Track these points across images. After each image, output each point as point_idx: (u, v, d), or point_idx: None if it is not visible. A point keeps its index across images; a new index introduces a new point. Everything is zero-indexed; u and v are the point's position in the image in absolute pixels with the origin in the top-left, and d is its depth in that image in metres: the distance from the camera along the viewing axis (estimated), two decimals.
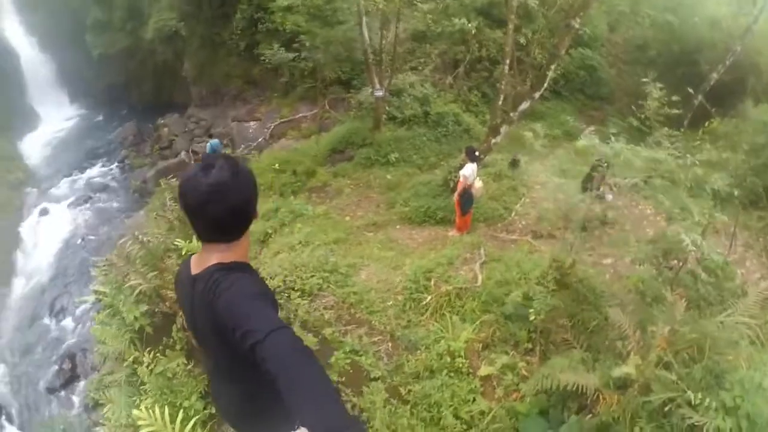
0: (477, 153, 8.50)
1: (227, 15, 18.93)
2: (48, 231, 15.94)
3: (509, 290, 5.48)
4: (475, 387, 4.58)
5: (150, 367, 4.05)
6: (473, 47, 15.18)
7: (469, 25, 10.30)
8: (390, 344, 5.43)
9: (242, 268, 1.70)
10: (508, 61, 9.57)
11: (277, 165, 14.16)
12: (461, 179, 8.25)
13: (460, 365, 4.74)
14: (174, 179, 15.63)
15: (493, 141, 9.60)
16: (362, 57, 13.50)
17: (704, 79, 12.15)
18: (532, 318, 4.64)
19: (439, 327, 5.37)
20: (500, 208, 9.47)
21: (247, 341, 1.37)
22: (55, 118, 24.82)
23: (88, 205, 17.30)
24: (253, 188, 1.67)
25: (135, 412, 3.12)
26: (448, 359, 4.80)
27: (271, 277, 6.14)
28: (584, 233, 5.03)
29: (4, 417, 10.41)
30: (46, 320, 12.47)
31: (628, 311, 3.68)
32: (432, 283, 6.29)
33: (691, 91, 7.86)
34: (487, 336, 5.08)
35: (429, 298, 6.01)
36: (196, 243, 4.34)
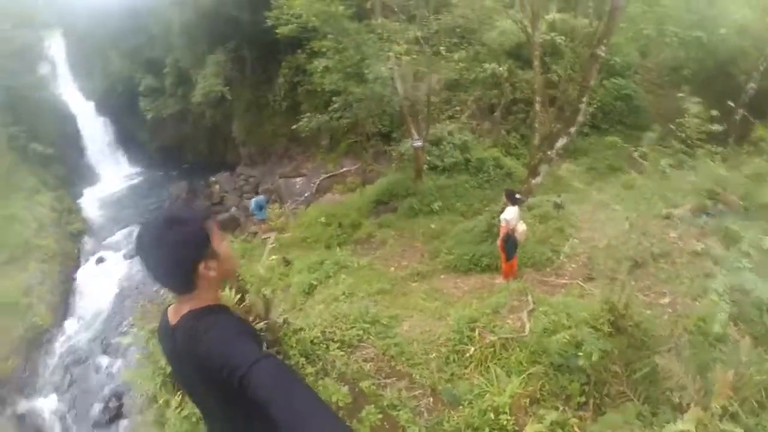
0: (517, 195, 8.23)
1: (270, 79, 19.97)
2: (104, 277, 16.64)
3: (559, 338, 5.09)
4: None
5: (177, 410, 3.95)
6: (506, 90, 15.20)
7: (500, 68, 10.26)
8: (431, 399, 5.08)
9: (215, 311, 1.72)
10: (539, 99, 9.41)
11: (323, 218, 14.37)
12: (503, 224, 7.97)
13: (505, 422, 4.30)
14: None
15: (534, 182, 9.32)
16: (399, 110, 13.65)
17: (742, 90, 11.62)
18: (581, 362, 4.25)
19: (483, 381, 4.99)
20: (548, 252, 9.03)
21: (234, 377, 1.41)
22: (112, 176, 26.55)
23: None
24: (180, 241, 1.63)
25: None
26: (492, 416, 4.39)
27: (310, 328, 5.93)
28: (637, 271, 4.63)
29: None
30: (99, 359, 12.87)
31: (685, 356, 3.28)
32: (476, 333, 5.94)
33: (731, 104, 7.43)
34: (535, 390, 4.64)
35: (473, 349, 5.65)
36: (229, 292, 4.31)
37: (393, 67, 11.97)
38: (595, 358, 4.17)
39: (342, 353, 5.67)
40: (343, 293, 9.00)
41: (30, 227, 17.44)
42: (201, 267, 1.66)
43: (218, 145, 24.93)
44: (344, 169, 17.80)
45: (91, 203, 23.66)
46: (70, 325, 14.65)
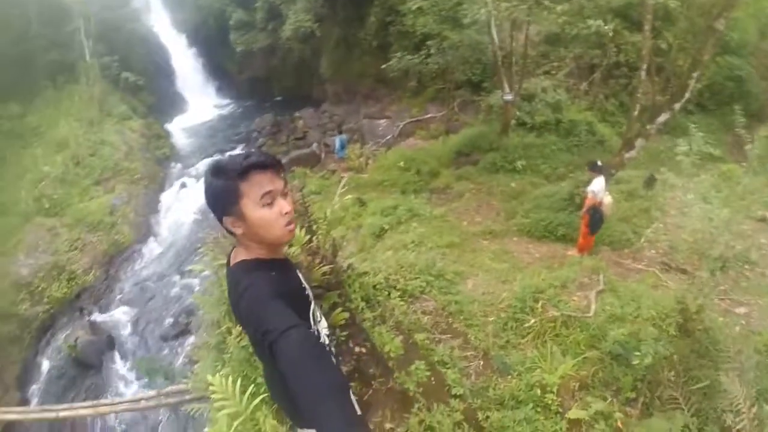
0: (600, 163, 7.86)
1: (361, 17, 19.59)
2: (186, 202, 17.38)
3: (622, 327, 4.94)
4: (560, 429, 4.10)
5: (237, 339, 4.21)
6: (610, 51, 14.16)
7: (606, 27, 9.50)
8: (481, 362, 5.09)
9: (262, 267, 1.73)
10: (645, 67, 8.67)
11: (402, 163, 14.30)
12: (590, 195, 7.68)
13: (550, 402, 4.27)
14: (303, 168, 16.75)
15: (627, 155, 8.80)
16: (492, 59, 13.10)
17: None
18: (635, 362, 4.14)
19: (537, 355, 4.96)
20: (629, 232, 8.66)
21: (266, 340, 1.44)
22: (201, 105, 27.59)
23: None
24: (211, 190, 1.71)
25: (209, 377, 3.25)
26: (539, 392, 4.36)
27: (374, 273, 5.96)
28: (720, 273, 4.36)
29: (117, 352, 11.71)
30: (174, 278, 13.64)
31: (748, 378, 3.10)
32: (540, 305, 5.86)
33: None
34: (588, 375, 4.55)
35: (533, 321, 5.60)
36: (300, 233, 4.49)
37: (491, 12, 11.45)
38: (647, 361, 4.03)
39: (402, 303, 5.70)
40: (413, 242, 9.08)
41: (119, 151, 18.41)
42: (227, 222, 1.71)
43: (305, 80, 25.05)
44: (429, 115, 17.50)
45: (179, 131, 24.79)
46: (151, 244, 15.58)
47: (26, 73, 20.17)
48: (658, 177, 9.92)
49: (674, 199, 9.73)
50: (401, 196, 12.47)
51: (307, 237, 4.76)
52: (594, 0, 10.32)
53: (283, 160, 12.22)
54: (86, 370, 11.41)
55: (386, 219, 10.82)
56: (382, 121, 19.00)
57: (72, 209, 15.26)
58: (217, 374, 3.37)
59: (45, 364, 11.70)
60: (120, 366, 11.49)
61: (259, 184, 1.66)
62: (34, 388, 11.32)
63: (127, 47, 24.37)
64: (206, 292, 5.12)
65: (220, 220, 1.72)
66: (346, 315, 4.09)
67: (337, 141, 16.09)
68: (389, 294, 5.81)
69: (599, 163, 7.94)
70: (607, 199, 7.83)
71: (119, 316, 12.67)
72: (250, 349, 4.20)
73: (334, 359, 1.91)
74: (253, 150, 1.92)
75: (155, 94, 25.28)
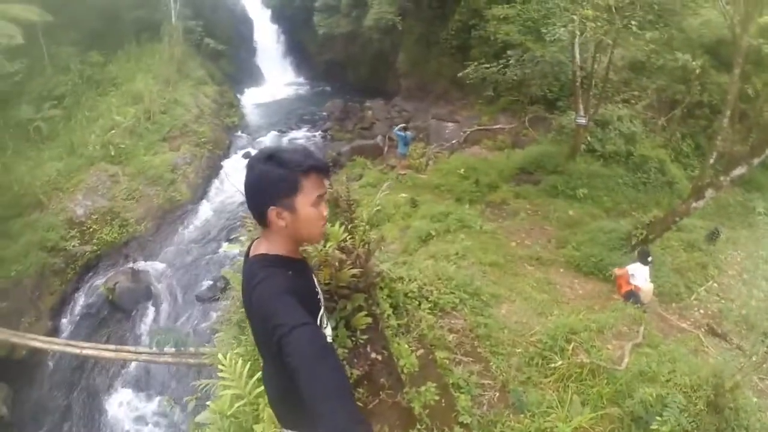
0: (650, 258, 7.53)
1: (444, 16, 19.48)
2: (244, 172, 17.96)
3: (651, 388, 4.70)
4: None
5: None
6: (694, 89, 13.29)
7: (693, 63, 9.01)
8: (497, 394, 4.94)
9: (283, 263, 1.77)
10: (728, 113, 8.17)
11: (462, 170, 14.22)
12: (629, 278, 7.41)
13: None
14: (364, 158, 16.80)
15: (694, 205, 8.32)
16: (571, 78, 12.73)
17: None
18: (653, 427, 3.93)
19: (556, 399, 4.81)
20: (681, 285, 8.22)
21: (275, 334, 1.47)
22: (277, 81, 28.35)
23: None
24: (267, 177, 1.71)
25: (219, 355, 3.37)
26: None
27: (410, 280, 5.93)
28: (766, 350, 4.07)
29: (151, 304, 12.23)
30: (219, 244, 13.97)
31: None
32: (571, 347, 5.68)
33: None
34: None
35: (560, 362, 5.42)
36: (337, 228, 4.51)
37: (576, 31, 11.08)
38: (665, 429, 3.83)
39: (431, 316, 5.62)
40: (456, 253, 8.97)
41: (191, 113, 19.06)
42: (272, 212, 1.72)
43: (381, 71, 25.14)
44: (498, 125, 17.10)
45: (251, 102, 25.50)
46: (204, 206, 16.10)
47: (112, 25, 20.90)
48: (723, 232, 9.43)
49: (735, 259, 9.27)
50: (455, 204, 12.34)
51: (345, 235, 4.77)
52: (685, 32, 9.79)
53: (345, 148, 13.90)
54: (118, 314, 12.06)
55: (435, 225, 10.74)
56: (450, 124, 18.72)
57: (136, 160, 15.91)
58: (229, 353, 3.48)
59: (81, 301, 12.40)
60: (151, 317, 12.05)
61: (316, 184, 1.74)
62: (65, 321, 12.04)
63: (213, 14, 25.31)
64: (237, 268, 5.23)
65: (264, 208, 1.73)
66: (369, 320, 4.06)
67: (400, 137, 16.05)
68: (420, 304, 5.71)
69: (650, 258, 7.63)
70: (647, 287, 7.50)
71: (161, 270, 13.19)
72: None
73: None
74: (310, 149, 1.86)
75: (234, 63, 26.22)
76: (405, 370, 4.33)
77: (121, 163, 15.77)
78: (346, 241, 4.64)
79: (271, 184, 1.70)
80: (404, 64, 22.22)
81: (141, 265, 13.25)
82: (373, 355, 4.52)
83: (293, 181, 1.69)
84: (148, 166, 15.81)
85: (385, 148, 18.64)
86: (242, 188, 1.79)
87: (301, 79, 29.62)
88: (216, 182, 17.48)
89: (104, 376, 10.89)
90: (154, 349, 7.98)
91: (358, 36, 25.16)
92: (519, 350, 5.75)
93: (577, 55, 11.82)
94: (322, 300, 2.03)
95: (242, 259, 2.04)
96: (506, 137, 16.40)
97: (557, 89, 15.44)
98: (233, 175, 17.50)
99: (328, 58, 28.41)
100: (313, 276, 2.06)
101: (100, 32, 20.43)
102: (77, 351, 9.63)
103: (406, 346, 5.04)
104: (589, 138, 13.08)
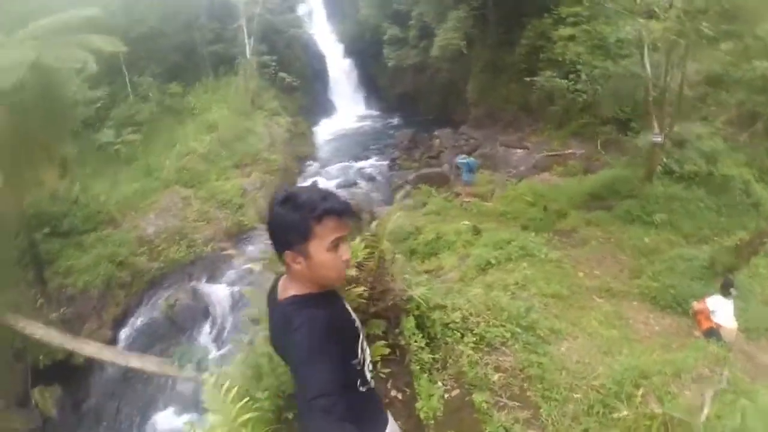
0: (732, 290, 6.52)
1: (511, 42, 19.28)
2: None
3: None
4: None
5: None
6: None
7: None
8: None
9: (315, 302, 1.72)
10: None
11: (529, 197, 13.64)
12: (708, 315, 6.43)
13: None
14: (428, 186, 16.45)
15: None
16: (644, 95, 11.74)
17: None
18: None
19: None
20: None
21: (297, 391, 1.61)
22: (349, 113, 29.14)
23: (352, 189, 19.45)
24: (281, 222, 1.69)
25: (203, 377, 3.38)
26: None
27: (452, 309, 5.22)
28: None
29: (208, 324, 12.36)
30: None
31: None
32: (640, 393, 4.74)
33: None
34: None
35: (626, 413, 4.53)
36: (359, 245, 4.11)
37: (645, 45, 10.26)
38: None
39: (473, 351, 4.85)
40: (516, 283, 8.24)
41: (263, 142, 19.97)
42: (287, 256, 1.70)
43: (450, 101, 25.05)
44: (569, 150, 16.33)
45: (323, 133, 26.27)
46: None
47: (190, 59, 22.56)
48: None
49: None
50: (520, 232, 11.63)
51: (365, 251, 4.29)
52: (762, 39, 8.75)
53: (411, 176, 13.50)
54: (175, 330, 12.21)
55: (495, 253, 10.06)
56: (519, 150, 18.28)
57: (208, 185, 16.70)
58: (213, 378, 3.34)
59: (142, 314, 12.77)
60: (205, 337, 12.09)
61: (332, 228, 1.67)
62: (125, 332, 12.44)
63: (287, 50, 26.43)
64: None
65: (280, 252, 1.71)
66: (386, 351, 3.81)
67: (463, 165, 15.51)
68: (462, 337, 4.96)
69: (734, 289, 6.62)
70: (731, 325, 6.47)
71: (222, 292, 13.28)
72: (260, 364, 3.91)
73: (365, 388, 1.93)
74: (329, 191, 1.78)
75: (307, 96, 27.21)
76: (423, 414, 3.76)
77: (194, 186, 16.60)
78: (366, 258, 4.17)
79: (285, 228, 1.68)
80: (473, 92, 22.13)
81: (203, 285, 13.54)
82: (393, 392, 3.96)
83: (305, 226, 1.64)
84: (219, 190, 16.52)
85: (451, 177, 18.21)
86: None
87: (372, 111, 30.26)
88: None
89: (154, 390, 11.01)
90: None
91: (426, 67, 25.59)
92: (577, 396, 4.87)
93: (648, 68, 10.82)
94: (359, 326, 2.00)
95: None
96: (577, 162, 15.63)
97: (629, 109, 14.56)
98: None
99: (398, 90, 29.03)
100: (345, 303, 2.00)
101: (180, 65, 22.07)
102: (124, 362, 9.91)
103: (440, 383, 4.41)
104: (665, 159, 11.99)
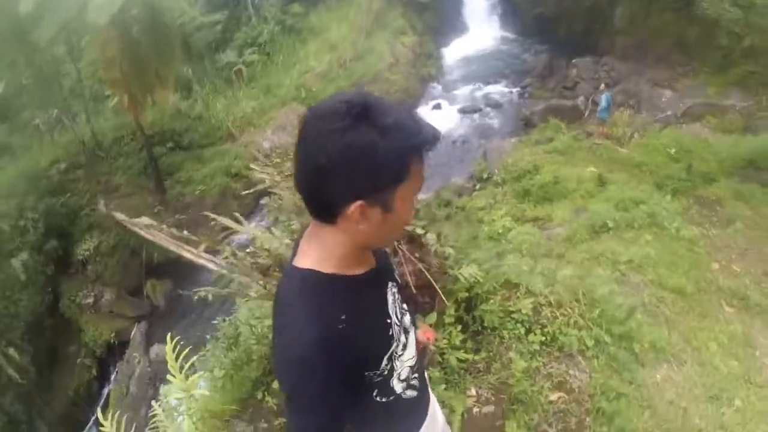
0: None
1: None
2: (433, 122, 17.63)
3: None
4: None
5: None
6: None
7: None
8: None
9: (332, 289, 1.22)
10: None
11: (673, 150, 12.01)
12: None
13: None
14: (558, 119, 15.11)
15: None
16: None
17: None
18: None
19: None
20: None
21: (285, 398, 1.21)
22: (481, 34, 26.81)
23: (476, 115, 19.00)
24: (347, 160, 1.06)
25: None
26: None
27: (525, 295, 4.08)
28: None
29: None
30: None
31: None
32: None
33: None
34: None
35: None
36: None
37: None
38: None
39: (535, 355, 3.78)
40: (630, 261, 6.86)
41: (384, 61, 19.76)
42: (354, 208, 1.12)
43: (594, 27, 22.18)
44: (729, 102, 14.10)
45: (451, 55, 24.93)
46: None
47: None
48: None
49: None
50: (653, 191, 10.07)
51: None
52: None
53: (540, 107, 13.40)
54: None
55: (617, 214, 8.66)
56: (667, 92, 16.11)
57: None
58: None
59: (252, 223, 13.47)
60: None
61: (421, 169, 1.19)
62: (235, 239, 13.09)
63: None
64: None
65: (344, 199, 1.12)
66: None
67: (603, 99, 13.96)
68: (527, 333, 3.88)
69: None
70: None
71: None
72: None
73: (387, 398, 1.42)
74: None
75: (439, 15, 25.88)
76: None
77: (311, 104, 16.51)
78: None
79: (372, 164, 1.08)
80: (621, 19, 19.68)
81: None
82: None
83: (402, 163, 1.12)
84: None
85: (586, 112, 16.73)
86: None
87: (507, 33, 27.57)
88: None
89: None
90: None
91: None
92: None
93: None
94: (397, 327, 1.39)
95: None
96: (737, 118, 13.59)
97: None
98: None
99: (538, 12, 25.90)
100: (389, 290, 1.42)
101: None
102: (216, 269, 10.35)
103: (473, 391, 3.51)
104: None
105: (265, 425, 3.50)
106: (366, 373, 1.32)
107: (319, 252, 1.25)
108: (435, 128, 1.19)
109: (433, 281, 3.54)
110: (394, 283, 1.47)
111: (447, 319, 3.64)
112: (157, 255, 12.67)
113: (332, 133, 1.07)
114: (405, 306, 1.51)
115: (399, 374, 1.44)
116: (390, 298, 1.42)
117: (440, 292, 3.59)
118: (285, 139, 14.97)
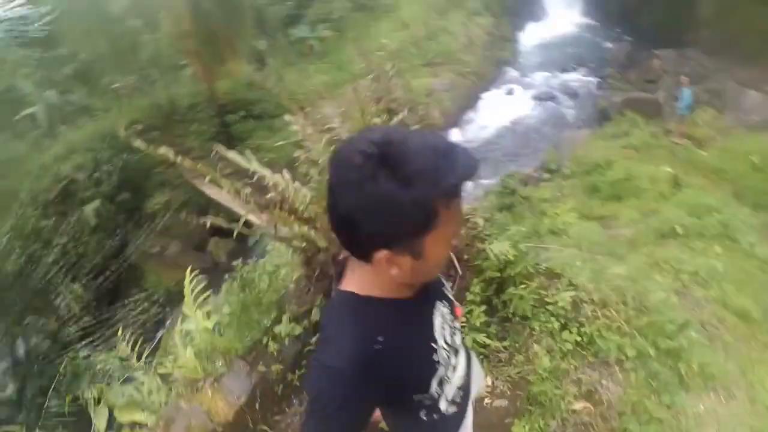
0: None
1: None
2: (503, 108, 17.97)
3: None
4: None
5: None
6: None
7: None
8: None
9: (373, 314, 1.23)
10: None
11: (756, 158, 11.23)
12: None
13: None
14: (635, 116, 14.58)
15: None
16: None
17: None
18: None
19: None
20: None
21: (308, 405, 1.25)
22: (561, 19, 25.99)
23: (550, 102, 18.56)
24: (368, 210, 1.04)
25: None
26: None
27: (566, 287, 3.80)
28: None
29: None
30: None
31: None
32: None
33: None
34: None
35: None
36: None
37: None
38: None
39: (567, 354, 3.50)
40: (695, 273, 6.28)
41: (458, 42, 19.74)
42: (382, 256, 1.10)
43: (679, 18, 20.77)
44: None
45: (528, 39, 24.24)
46: (453, 134, 16.20)
47: None
48: None
49: None
50: (729, 200, 9.52)
51: None
52: None
53: (618, 99, 12.53)
54: None
55: (688, 220, 8.01)
56: (755, 93, 15.00)
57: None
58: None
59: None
60: None
61: (459, 210, 1.16)
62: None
63: None
64: None
65: (368, 247, 1.11)
66: None
67: (685, 93, 13.41)
68: (561, 329, 3.57)
69: None
70: None
71: None
72: None
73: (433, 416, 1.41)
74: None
75: None
76: None
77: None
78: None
79: (392, 215, 1.04)
80: (707, 9, 18.62)
81: None
82: None
83: (428, 213, 1.05)
84: (406, 88, 16.73)
85: (666, 108, 15.86)
86: (493, 123, 1.07)
87: (588, 20, 26.47)
88: (470, 113, 17.76)
89: None
90: None
91: None
92: None
93: None
94: (445, 350, 1.38)
95: None
96: None
97: None
98: (490, 109, 17.95)
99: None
100: (437, 306, 1.40)
101: None
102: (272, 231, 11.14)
103: (489, 381, 3.37)
104: None
105: (264, 369, 3.57)
106: (415, 396, 1.34)
107: (361, 282, 1.26)
108: (471, 158, 1.07)
109: (453, 255, 3.31)
110: (444, 302, 1.45)
111: (470, 296, 3.43)
112: (222, 214, 13.50)
113: (351, 185, 1.04)
114: (456, 325, 1.50)
115: (447, 395, 1.43)
116: (437, 321, 1.39)
117: (457, 263, 3.40)
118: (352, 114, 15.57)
